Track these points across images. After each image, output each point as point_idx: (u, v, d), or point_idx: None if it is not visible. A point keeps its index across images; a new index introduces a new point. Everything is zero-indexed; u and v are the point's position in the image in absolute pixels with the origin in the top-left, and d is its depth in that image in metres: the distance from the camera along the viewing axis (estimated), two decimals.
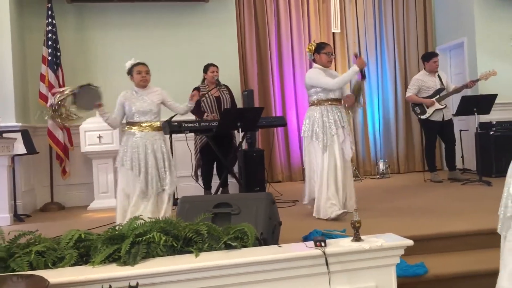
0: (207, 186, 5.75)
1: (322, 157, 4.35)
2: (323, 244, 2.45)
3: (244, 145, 6.44)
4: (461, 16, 7.46)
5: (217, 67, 5.75)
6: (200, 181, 5.76)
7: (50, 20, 6.03)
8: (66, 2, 6.35)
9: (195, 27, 6.72)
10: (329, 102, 4.48)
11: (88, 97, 4.30)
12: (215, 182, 5.78)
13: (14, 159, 5.48)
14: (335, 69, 7.74)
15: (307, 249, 2.46)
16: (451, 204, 4.74)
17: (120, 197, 4.35)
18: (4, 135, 5.24)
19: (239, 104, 6.56)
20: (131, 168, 4.32)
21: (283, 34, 7.74)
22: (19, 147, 5.43)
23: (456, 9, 7.61)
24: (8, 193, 5.12)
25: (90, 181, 6.07)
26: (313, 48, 4.65)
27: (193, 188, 5.70)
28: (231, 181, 5.94)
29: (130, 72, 4.51)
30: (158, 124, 4.51)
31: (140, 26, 6.58)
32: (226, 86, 5.84)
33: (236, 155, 5.80)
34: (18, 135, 5.46)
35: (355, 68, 4.41)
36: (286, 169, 7.73)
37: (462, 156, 7.21)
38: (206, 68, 5.75)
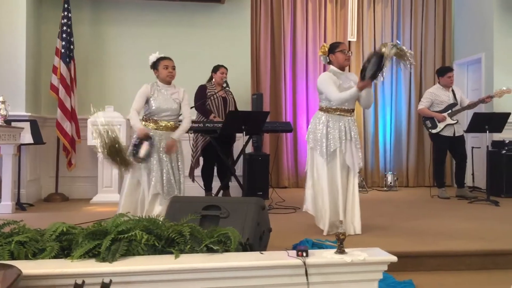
0: (207, 187, 5.73)
1: (323, 168, 4.10)
2: (304, 254, 2.41)
3: (250, 149, 6.42)
4: (480, 32, 7.34)
5: (226, 69, 5.75)
6: (197, 182, 5.73)
7: (65, 13, 6.09)
8: None
9: (209, 28, 6.72)
10: (338, 112, 4.14)
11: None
12: (216, 184, 5.78)
13: (21, 148, 5.55)
14: None
15: (288, 258, 2.42)
16: (453, 222, 4.63)
17: (129, 190, 4.20)
18: (13, 124, 5.31)
19: (248, 107, 6.55)
20: (147, 168, 4.16)
21: (298, 39, 7.70)
22: (26, 137, 5.49)
23: (475, 24, 7.48)
24: (12, 182, 5.18)
25: (95, 175, 6.11)
26: (327, 49, 4.30)
27: (195, 188, 5.69)
28: (233, 184, 5.91)
29: (155, 65, 4.34)
30: (173, 124, 4.31)
31: (154, 23, 6.62)
32: (230, 92, 5.82)
33: (238, 158, 5.77)
34: (27, 125, 5.52)
35: (354, 89, 4.02)
36: (293, 175, 7.68)
37: (473, 174, 7.07)
38: (216, 69, 5.74)
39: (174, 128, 4.32)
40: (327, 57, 4.30)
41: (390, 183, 7.40)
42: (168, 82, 4.35)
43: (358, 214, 4.13)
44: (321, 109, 4.25)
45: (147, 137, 4.12)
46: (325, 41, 7.76)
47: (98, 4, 6.57)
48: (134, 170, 4.18)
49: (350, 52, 4.42)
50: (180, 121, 4.42)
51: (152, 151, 4.13)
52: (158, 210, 4.05)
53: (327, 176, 4.08)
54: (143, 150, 4.08)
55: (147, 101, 4.28)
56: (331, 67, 4.27)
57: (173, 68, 4.34)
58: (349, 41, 7.71)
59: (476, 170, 7.09)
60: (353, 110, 4.26)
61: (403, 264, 3.20)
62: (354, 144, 4.16)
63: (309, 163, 4.26)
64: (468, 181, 6.79)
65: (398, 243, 3.66)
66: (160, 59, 4.34)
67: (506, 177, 6.45)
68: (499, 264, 3.34)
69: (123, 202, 4.17)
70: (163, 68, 4.31)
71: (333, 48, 4.26)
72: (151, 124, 4.27)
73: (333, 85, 4.11)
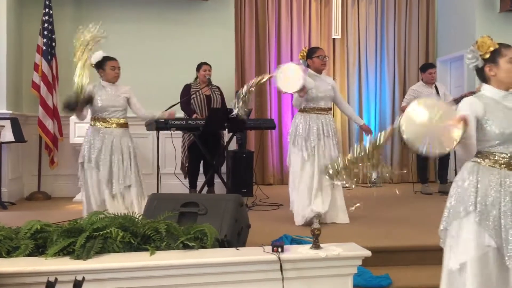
0: (192, 185, 5.72)
1: (301, 166, 4.33)
2: (279, 250, 2.42)
3: (234, 146, 6.42)
4: (463, 29, 7.40)
5: (210, 66, 5.74)
6: (175, 178, 5.73)
7: (47, 10, 6.04)
8: None
9: (192, 25, 6.70)
10: (315, 111, 4.45)
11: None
12: (202, 181, 5.77)
13: (2, 146, 5.51)
14: (334, 75, 7.72)
15: (263, 254, 2.44)
16: (434, 217, 4.59)
17: (93, 192, 4.22)
18: None
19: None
20: (97, 167, 4.21)
21: (283, 37, 7.71)
22: (7, 135, 5.44)
23: (458, 22, 7.54)
24: None
25: (77, 173, 6.06)
26: (305, 53, 4.63)
27: (178, 186, 5.68)
28: (218, 181, 5.91)
29: (101, 65, 4.35)
30: (124, 120, 4.37)
31: (136, 20, 6.57)
32: (218, 87, 5.82)
33: (224, 155, 5.77)
34: (7, 123, 5.47)
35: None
36: (278, 172, 7.69)
37: (455, 169, 7.12)
38: (199, 67, 5.74)
39: (125, 124, 4.37)
40: (306, 61, 4.59)
41: (374, 179, 7.43)
42: (114, 82, 4.40)
43: (343, 204, 4.45)
44: (300, 110, 4.54)
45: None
46: (309, 38, 7.79)
47: (80, 1, 6.51)
48: (88, 169, 4.24)
49: (326, 57, 4.72)
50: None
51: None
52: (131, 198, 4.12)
53: (308, 172, 4.30)
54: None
55: (94, 101, 4.27)
56: (309, 70, 4.57)
57: (119, 69, 4.40)
58: (334, 39, 7.75)
59: (459, 166, 7.11)
60: (330, 109, 4.58)
61: (381, 259, 3.25)
62: (332, 140, 4.41)
63: (291, 160, 4.52)
64: (450, 176, 6.84)
65: (377, 238, 3.69)
66: (106, 59, 4.36)
67: None
68: None
69: (87, 206, 4.18)
70: (110, 69, 4.34)
71: (311, 53, 4.60)
72: (101, 122, 4.29)
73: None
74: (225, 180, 5.79)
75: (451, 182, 6.97)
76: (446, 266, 2.30)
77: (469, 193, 2.22)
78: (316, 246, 2.50)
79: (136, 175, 4.27)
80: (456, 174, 6.95)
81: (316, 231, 2.50)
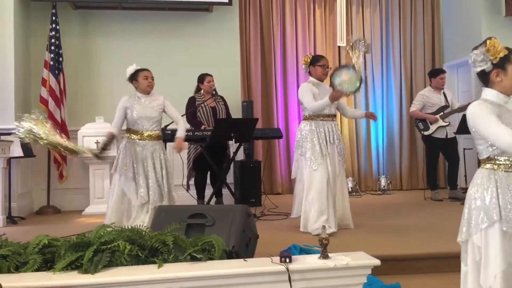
0: (200, 195, 5.71)
1: (311, 173, 4.31)
2: (287, 260, 2.40)
3: (242, 156, 6.42)
4: (469, 34, 7.37)
5: (212, 76, 5.74)
6: (191, 191, 5.73)
7: (54, 25, 6.10)
8: (71, 8, 6.43)
9: (197, 36, 6.73)
10: (321, 118, 4.46)
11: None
12: (209, 192, 5.76)
13: (11, 161, 5.54)
14: None
15: (272, 264, 2.42)
16: (445, 224, 4.62)
17: (117, 200, 4.31)
18: (2, 137, 5.30)
19: (239, 114, 6.55)
20: (134, 179, 4.31)
21: (288, 46, 7.72)
22: (16, 150, 5.47)
23: (463, 26, 7.52)
24: (3, 195, 5.17)
25: (87, 186, 6.09)
26: (309, 60, 4.63)
27: (187, 197, 5.67)
28: (226, 191, 5.90)
29: (134, 77, 4.49)
30: (158, 133, 4.51)
31: (142, 33, 6.62)
32: (222, 97, 5.83)
33: (229, 165, 5.76)
34: (16, 138, 5.50)
35: (326, 99, 4.26)
36: (286, 181, 7.67)
37: (465, 175, 7.07)
38: (202, 78, 5.73)
39: (158, 137, 4.45)
40: (308, 68, 4.60)
41: (384, 186, 7.40)
42: (148, 92, 4.52)
43: (349, 209, 4.48)
44: (305, 118, 4.55)
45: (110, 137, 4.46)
46: (315, 46, 7.80)
47: (86, 16, 6.58)
48: (121, 181, 4.24)
49: (329, 68, 4.68)
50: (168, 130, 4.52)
51: (109, 147, 4.48)
52: (146, 219, 4.07)
53: (317, 179, 4.28)
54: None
55: (129, 113, 4.41)
56: (311, 78, 4.60)
57: (152, 78, 4.52)
58: (339, 46, 7.74)
59: (469, 172, 7.09)
60: (334, 116, 4.59)
61: (392, 267, 3.21)
62: (337, 147, 4.45)
63: (298, 170, 4.54)
64: (460, 182, 6.79)
65: (387, 246, 3.66)
66: (139, 70, 4.51)
67: None
68: None
69: (110, 212, 4.21)
70: (143, 79, 4.45)
71: (315, 61, 4.60)
72: (134, 135, 4.40)
73: (310, 95, 4.44)
74: (233, 190, 5.77)
75: (461, 188, 6.93)
76: (470, 279, 2.21)
77: (490, 201, 2.14)
78: (325, 255, 2.47)
79: (168, 190, 4.37)
80: (466, 180, 6.94)
81: (324, 240, 2.48)
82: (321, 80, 4.59)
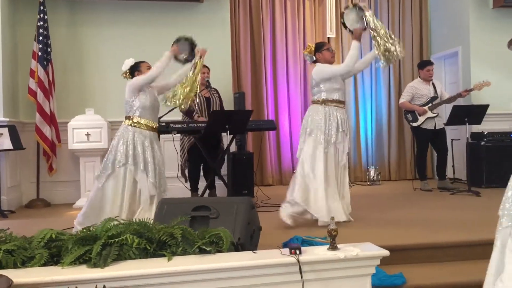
0: (193, 188, 5.69)
1: (320, 156, 4.27)
2: (297, 252, 2.41)
3: (234, 148, 6.40)
4: (457, 26, 7.45)
5: (208, 68, 5.71)
6: (182, 182, 5.70)
7: (42, 15, 5.98)
8: None
9: (188, 27, 6.62)
10: (334, 104, 4.42)
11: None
12: (203, 184, 5.74)
13: (0, 154, 5.44)
14: None
15: (282, 256, 2.43)
16: (438, 214, 4.71)
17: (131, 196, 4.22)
18: None
19: (230, 106, 6.52)
20: (144, 168, 4.20)
21: (277, 37, 7.71)
22: (5, 142, 5.37)
23: (451, 19, 7.60)
24: None
25: (77, 179, 6.01)
26: (313, 48, 4.58)
27: (180, 189, 5.64)
28: (219, 183, 5.89)
29: (136, 68, 4.38)
30: (156, 124, 4.44)
31: (132, 24, 6.53)
32: (216, 90, 5.79)
33: (224, 157, 5.74)
34: (5, 130, 5.40)
35: (355, 43, 4.35)
36: (276, 172, 7.69)
37: (453, 166, 7.18)
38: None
39: (156, 129, 4.41)
40: (313, 56, 4.54)
41: (373, 177, 7.46)
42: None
43: (349, 202, 4.47)
44: (317, 102, 4.47)
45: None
46: (304, 38, 7.80)
47: (74, 5, 6.45)
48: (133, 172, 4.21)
49: (334, 51, 4.72)
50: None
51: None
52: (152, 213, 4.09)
53: (323, 164, 4.27)
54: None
55: (136, 96, 4.27)
56: (319, 64, 4.52)
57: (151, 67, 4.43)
58: (328, 38, 7.75)
59: (456, 162, 7.20)
60: (344, 102, 4.57)
61: (391, 258, 3.24)
62: (346, 136, 4.44)
63: (305, 150, 4.39)
64: (448, 172, 6.89)
65: (385, 236, 3.69)
66: (140, 62, 4.42)
67: (486, 168, 6.57)
68: (486, 254, 3.37)
69: (119, 209, 4.12)
70: (147, 69, 4.35)
71: (320, 47, 4.57)
72: (142, 122, 4.28)
73: (332, 65, 4.48)
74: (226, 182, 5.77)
75: (449, 178, 7.01)
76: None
77: None
78: (334, 247, 2.49)
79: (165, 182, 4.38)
80: (454, 170, 7.04)
81: (333, 232, 2.49)
82: (330, 63, 4.54)
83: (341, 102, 4.47)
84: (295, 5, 7.77)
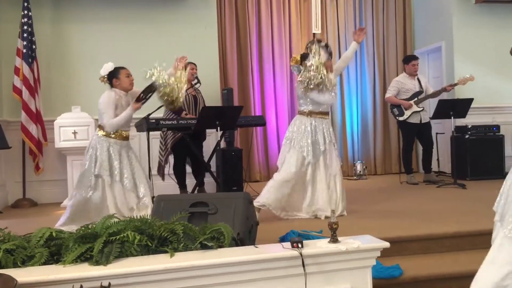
0: (182, 185, 5.68)
1: (307, 168, 4.40)
2: (300, 245, 2.43)
3: (223, 144, 6.39)
4: (440, 21, 7.55)
5: (195, 65, 5.69)
6: (168, 179, 5.68)
7: (26, 12, 5.88)
8: None
9: (174, 23, 6.63)
10: (319, 116, 4.50)
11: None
12: (189, 180, 5.73)
13: None
14: None
15: (284, 250, 2.44)
16: (427, 207, 4.78)
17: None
18: None
19: (218, 102, 6.52)
20: (120, 180, 4.21)
21: (263, 33, 7.72)
22: None
23: (435, 14, 7.70)
24: None
25: (64, 178, 5.94)
26: (299, 59, 4.58)
27: (170, 186, 5.62)
28: (208, 180, 5.89)
29: (115, 74, 4.31)
30: (128, 133, 4.44)
31: (117, 20, 6.46)
32: (199, 89, 5.79)
33: (212, 154, 5.74)
34: None
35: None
36: (264, 168, 7.71)
37: (438, 159, 7.29)
38: (184, 67, 5.66)
39: (127, 137, 4.40)
40: (300, 66, 4.51)
41: (360, 172, 7.54)
42: (129, 90, 4.37)
43: (341, 198, 4.50)
44: (302, 113, 4.52)
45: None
46: (290, 34, 7.83)
47: (59, 2, 6.35)
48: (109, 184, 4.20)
49: None
50: None
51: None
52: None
53: (310, 175, 4.40)
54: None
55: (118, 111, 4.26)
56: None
57: (131, 75, 4.39)
58: (314, 34, 7.79)
59: (441, 155, 7.32)
60: (329, 113, 4.66)
61: (386, 250, 3.29)
62: (333, 145, 4.51)
63: (287, 161, 4.45)
64: (433, 166, 7.00)
65: (378, 229, 3.74)
66: (119, 68, 4.35)
67: (470, 161, 6.70)
68: (477, 245, 3.46)
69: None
70: (125, 77, 4.32)
71: (306, 57, 4.51)
72: (113, 134, 4.26)
73: (320, 95, 4.41)
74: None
75: (434, 172, 7.13)
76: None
77: None
78: (334, 240, 2.51)
79: (145, 186, 4.36)
80: (439, 164, 7.15)
81: (334, 225, 2.52)
82: None
83: (326, 114, 4.56)
84: (281, 1, 7.78)
